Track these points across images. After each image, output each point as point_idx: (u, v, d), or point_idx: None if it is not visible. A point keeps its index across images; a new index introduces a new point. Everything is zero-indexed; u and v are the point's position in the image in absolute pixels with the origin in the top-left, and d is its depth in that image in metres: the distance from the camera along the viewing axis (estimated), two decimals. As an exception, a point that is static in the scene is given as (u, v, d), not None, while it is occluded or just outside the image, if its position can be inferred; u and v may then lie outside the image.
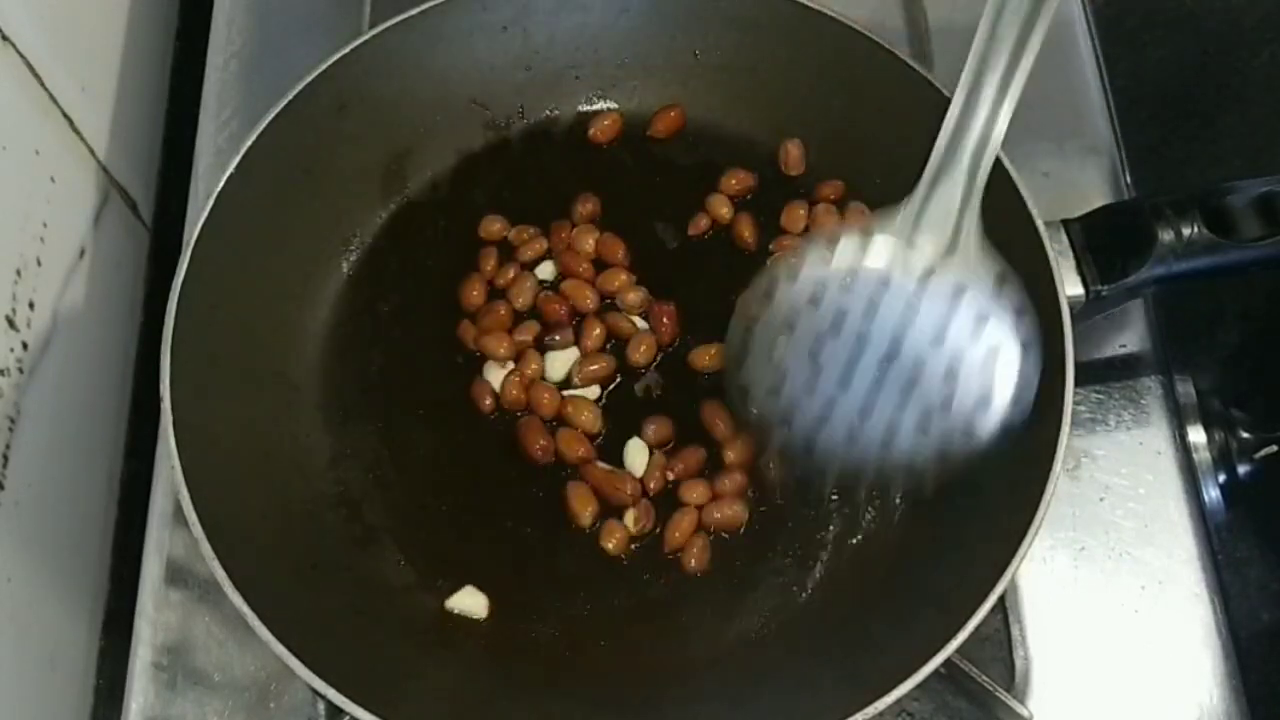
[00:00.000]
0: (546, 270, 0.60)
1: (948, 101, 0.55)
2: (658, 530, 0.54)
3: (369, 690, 0.46)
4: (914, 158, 0.58)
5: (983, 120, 0.48)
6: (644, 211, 0.61)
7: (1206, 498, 0.58)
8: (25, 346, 0.57)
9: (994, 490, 0.51)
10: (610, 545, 0.54)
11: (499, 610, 0.53)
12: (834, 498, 0.54)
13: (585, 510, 0.54)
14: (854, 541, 0.54)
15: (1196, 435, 0.59)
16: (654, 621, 0.53)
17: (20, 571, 0.55)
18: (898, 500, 0.54)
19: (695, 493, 0.54)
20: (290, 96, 0.56)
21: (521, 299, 0.59)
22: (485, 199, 0.62)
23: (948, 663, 0.46)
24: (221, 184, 0.54)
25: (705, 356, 0.57)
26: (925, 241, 0.49)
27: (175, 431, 0.49)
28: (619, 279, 0.59)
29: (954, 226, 0.49)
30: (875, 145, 0.60)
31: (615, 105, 0.64)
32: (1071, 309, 0.51)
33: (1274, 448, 0.59)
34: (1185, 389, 0.60)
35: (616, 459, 0.55)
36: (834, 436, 0.50)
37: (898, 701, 0.45)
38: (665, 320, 0.58)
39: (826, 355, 0.50)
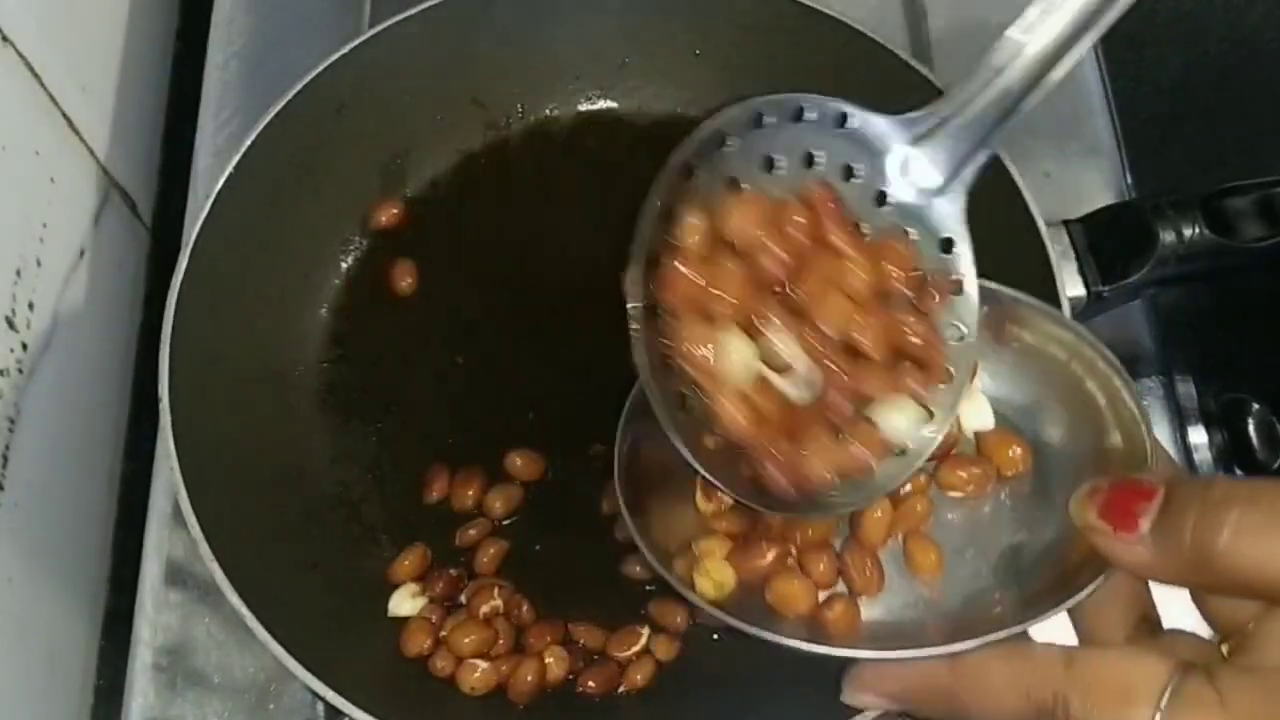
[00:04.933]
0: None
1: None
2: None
3: (368, 691, 0.46)
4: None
5: (1060, 39, 0.41)
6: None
7: (1207, 498, 0.58)
8: (25, 347, 0.57)
9: (994, 491, 0.51)
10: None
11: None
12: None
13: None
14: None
15: (1197, 435, 0.59)
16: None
17: (20, 572, 0.55)
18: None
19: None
20: (290, 96, 0.56)
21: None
22: (485, 199, 0.62)
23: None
24: (221, 184, 0.54)
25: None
26: (919, 162, 0.43)
27: (174, 432, 0.49)
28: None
29: (954, 169, 0.43)
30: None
31: (615, 105, 0.63)
32: (1073, 309, 0.51)
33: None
34: (1185, 389, 0.60)
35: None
36: None
37: (898, 702, 0.45)
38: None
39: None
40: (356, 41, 0.57)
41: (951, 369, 0.43)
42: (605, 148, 0.63)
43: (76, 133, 0.63)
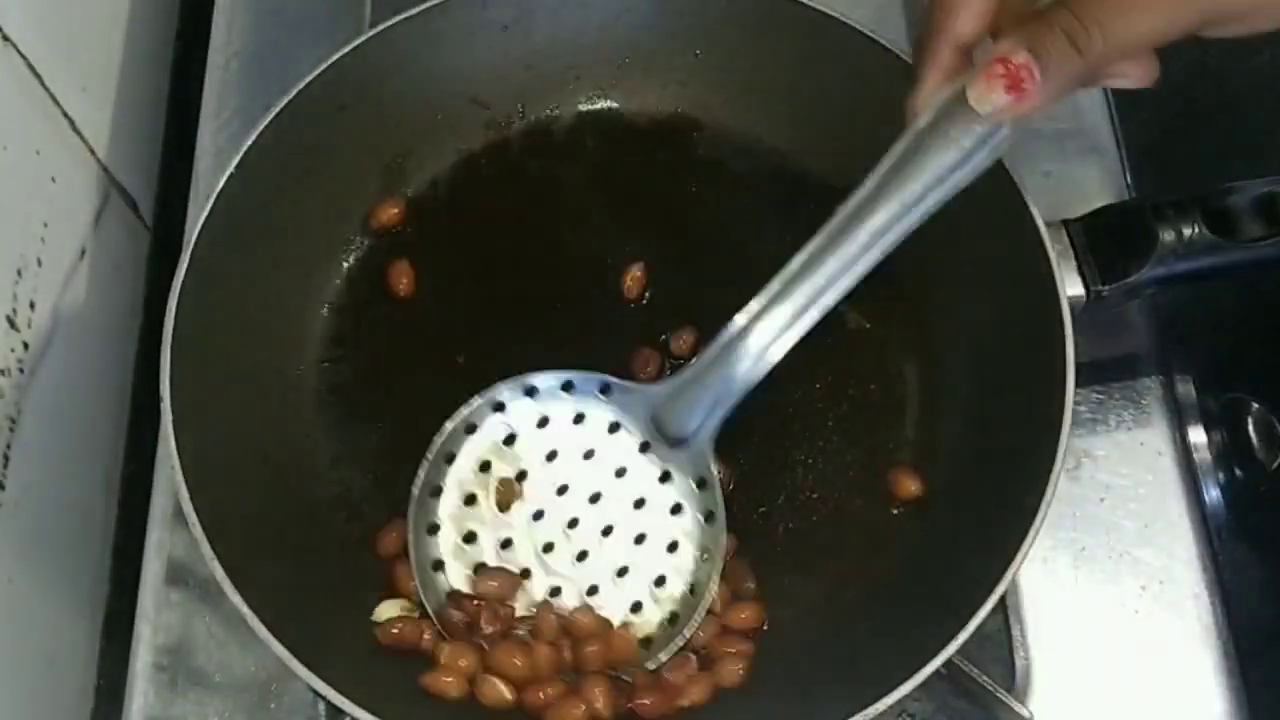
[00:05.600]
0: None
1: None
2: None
3: (369, 690, 0.46)
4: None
5: (776, 331, 0.49)
6: (642, 209, 0.61)
7: (1207, 498, 0.58)
8: (25, 346, 0.57)
9: (994, 491, 0.51)
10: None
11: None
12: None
13: None
14: (855, 544, 0.54)
15: (1196, 435, 0.59)
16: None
17: (20, 571, 0.55)
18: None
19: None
20: (290, 96, 0.56)
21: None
22: (485, 199, 0.62)
23: (948, 663, 0.46)
24: (222, 184, 0.54)
25: None
26: (669, 418, 0.52)
27: (175, 431, 0.49)
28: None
29: (699, 423, 0.51)
30: (875, 144, 0.59)
31: (615, 105, 0.63)
32: (1072, 309, 0.51)
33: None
34: (1185, 389, 0.60)
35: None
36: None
37: (899, 702, 0.45)
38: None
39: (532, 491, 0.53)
40: (356, 41, 0.58)
41: (696, 584, 0.51)
42: (605, 148, 0.63)
43: (77, 133, 0.63)
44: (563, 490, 0.53)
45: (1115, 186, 0.65)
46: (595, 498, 0.52)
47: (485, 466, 0.53)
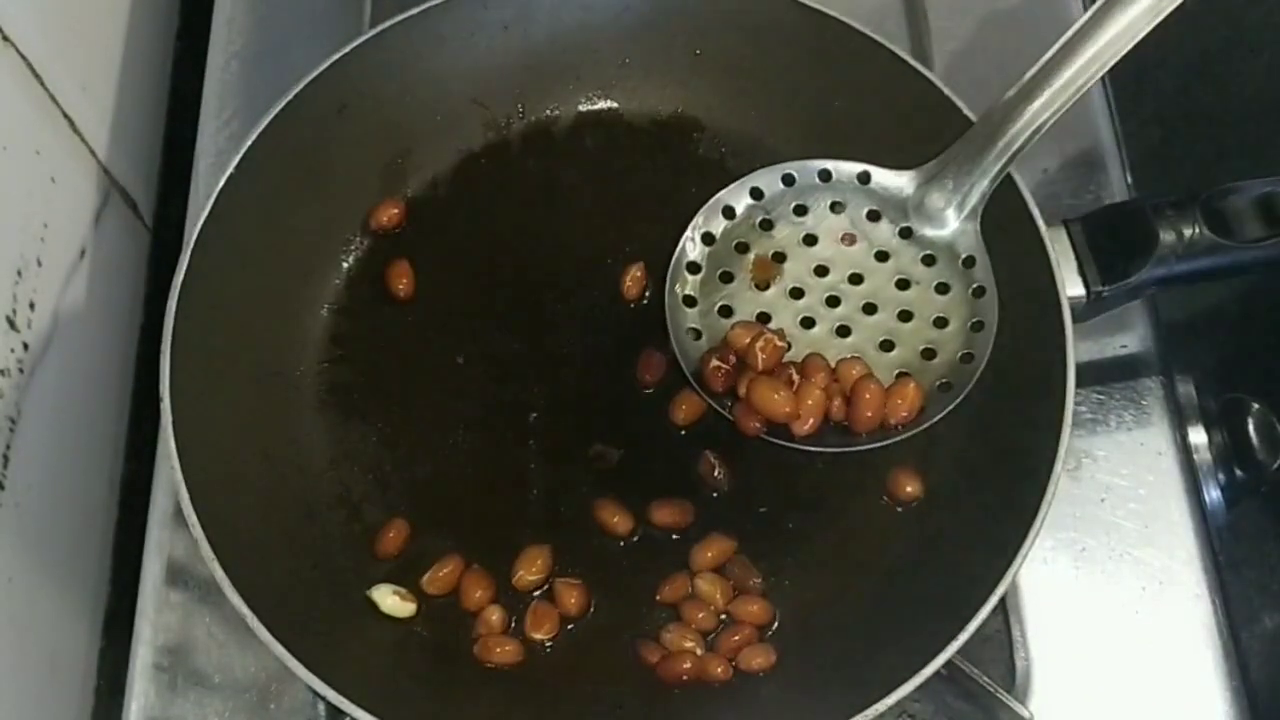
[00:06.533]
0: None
1: (949, 101, 0.56)
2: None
3: (369, 691, 0.46)
4: (915, 157, 0.58)
5: (1044, 101, 0.51)
6: (642, 209, 0.61)
7: (1207, 498, 0.58)
8: (25, 347, 0.57)
9: (995, 491, 0.51)
10: None
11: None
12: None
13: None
14: (855, 544, 0.54)
15: (1197, 436, 0.59)
16: (654, 622, 0.53)
17: (20, 572, 0.55)
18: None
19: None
20: (290, 96, 0.56)
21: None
22: (485, 199, 0.62)
23: (949, 664, 0.46)
24: (221, 184, 0.54)
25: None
26: (932, 200, 0.54)
27: (175, 432, 0.49)
28: None
29: (962, 198, 0.53)
30: (876, 144, 0.60)
31: (615, 105, 0.64)
32: (1072, 309, 0.51)
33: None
34: (1185, 389, 0.60)
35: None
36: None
37: (899, 702, 0.45)
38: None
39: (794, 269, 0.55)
40: (357, 42, 0.58)
41: (973, 352, 0.52)
42: (605, 148, 0.63)
43: (77, 133, 0.63)
44: (822, 271, 0.54)
45: (1115, 186, 0.65)
46: (856, 279, 0.54)
47: (743, 248, 0.55)
